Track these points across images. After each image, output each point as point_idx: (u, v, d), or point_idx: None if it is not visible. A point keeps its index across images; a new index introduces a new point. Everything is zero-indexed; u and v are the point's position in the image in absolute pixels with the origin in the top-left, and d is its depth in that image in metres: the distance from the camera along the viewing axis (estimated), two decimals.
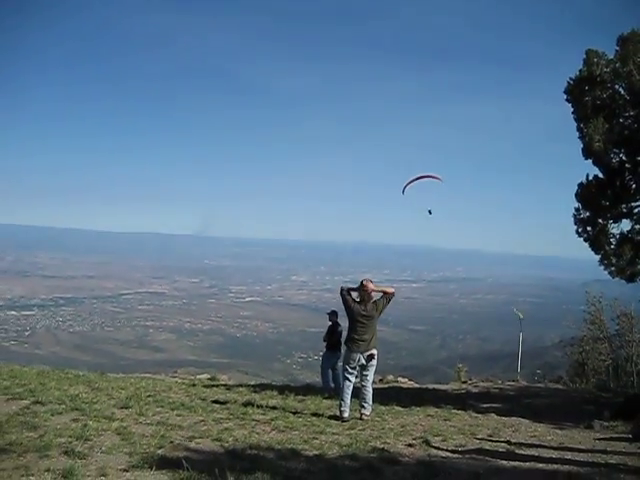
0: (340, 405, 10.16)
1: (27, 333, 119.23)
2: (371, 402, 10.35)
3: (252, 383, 17.68)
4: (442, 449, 7.72)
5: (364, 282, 10.29)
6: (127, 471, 5.77)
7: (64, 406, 9.27)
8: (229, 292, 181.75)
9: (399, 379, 19.96)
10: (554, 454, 7.59)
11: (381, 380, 18.59)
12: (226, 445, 7.29)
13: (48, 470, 5.53)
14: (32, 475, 5.38)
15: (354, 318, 10.17)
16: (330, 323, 15.35)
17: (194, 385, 14.96)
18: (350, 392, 10.20)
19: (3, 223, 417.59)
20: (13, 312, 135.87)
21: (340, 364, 12.46)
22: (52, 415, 8.53)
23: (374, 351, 10.15)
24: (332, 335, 15.06)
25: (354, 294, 10.40)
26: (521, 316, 21.93)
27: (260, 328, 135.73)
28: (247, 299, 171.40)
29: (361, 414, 10.13)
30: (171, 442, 7.22)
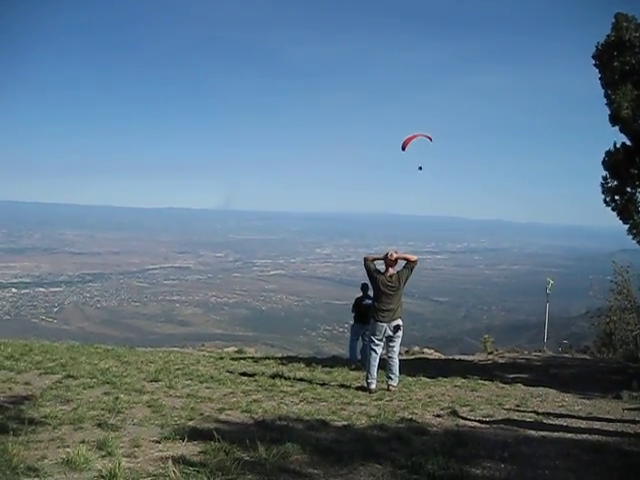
0: (367, 377, 10.22)
1: (55, 309, 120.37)
2: (398, 373, 10.37)
3: (279, 355, 17.83)
4: (470, 419, 7.74)
5: (389, 254, 10.29)
6: (159, 442, 5.85)
7: (95, 380, 9.43)
8: (254, 266, 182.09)
9: (425, 350, 20.04)
10: (582, 424, 7.58)
11: (407, 351, 18.67)
12: (255, 416, 7.38)
13: (83, 442, 5.62)
14: (67, 447, 5.46)
15: (379, 289, 10.18)
16: (360, 295, 15.36)
17: (222, 358, 15.11)
18: (377, 363, 10.24)
19: (29, 201, 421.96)
20: (41, 289, 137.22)
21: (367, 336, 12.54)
22: (84, 389, 8.69)
23: (400, 322, 10.16)
24: (359, 307, 15.09)
25: (378, 264, 10.41)
26: (552, 282, 21.69)
27: (285, 301, 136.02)
28: (271, 272, 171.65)
29: (388, 385, 10.17)
30: (201, 414, 7.32)
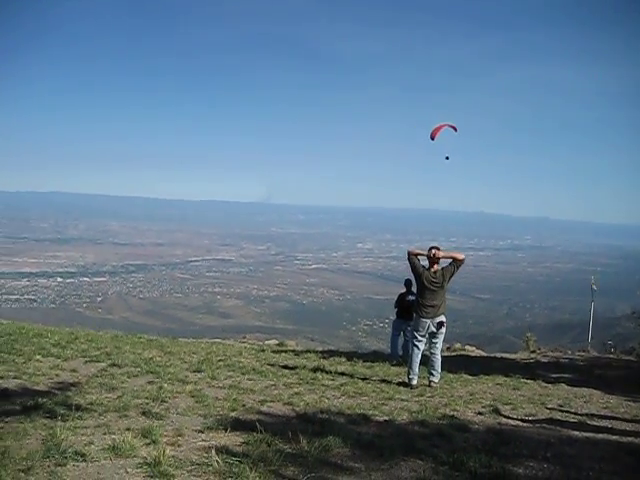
0: (408, 372, 10.18)
1: (99, 299, 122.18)
2: (440, 370, 10.31)
3: (319, 349, 17.85)
4: (512, 418, 7.67)
5: (433, 249, 10.23)
6: (202, 432, 5.92)
7: (139, 369, 9.59)
8: (295, 259, 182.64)
9: (466, 347, 19.88)
10: (628, 426, 7.46)
11: (448, 348, 18.56)
12: (297, 409, 7.42)
13: (128, 429, 5.72)
14: (113, 434, 5.57)
15: (423, 284, 10.12)
16: (403, 290, 15.30)
17: (263, 350, 15.21)
18: (419, 359, 10.20)
19: (75, 192, 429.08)
20: (86, 278, 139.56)
21: (409, 332, 12.51)
22: (128, 377, 8.84)
23: (443, 318, 10.10)
24: (402, 303, 15.04)
25: (421, 259, 10.36)
26: (595, 288, 21.41)
27: (326, 295, 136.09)
28: (313, 266, 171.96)
29: (430, 381, 10.13)
30: (243, 405, 7.39)
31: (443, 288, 10.09)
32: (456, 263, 10.16)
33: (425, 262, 10.33)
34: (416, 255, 10.36)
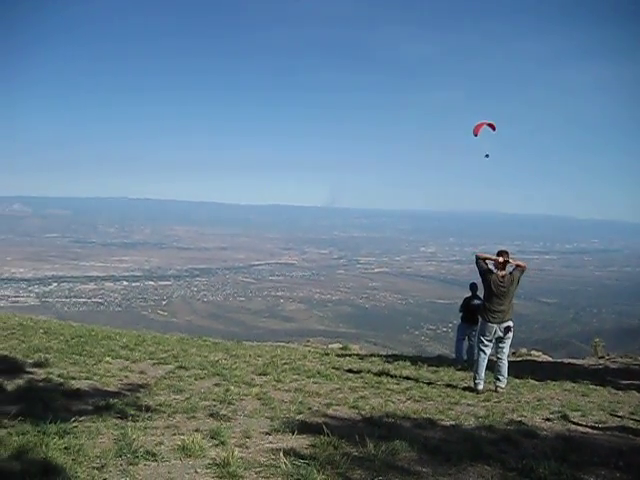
0: (474, 377, 10.10)
1: (164, 302, 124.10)
2: (506, 375, 10.19)
3: (383, 353, 17.82)
4: (581, 425, 7.50)
5: (501, 253, 10.13)
6: (269, 434, 5.97)
7: (206, 371, 9.75)
8: (358, 263, 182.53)
9: (532, 352, 19.59)
10: None
11: (514, 353, 18.29)
12: (363, 412, 7.41)
13: (197, 430, 5.81)
14: (182, 434, 5.65)
15: (490, 289, 10.03)
16: (468, 294, 15.18)
17: (327, 354, 15.24)
18: (485, 364, 10.11)
19: (141, 198, 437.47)
20: (151, 282, 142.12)
21: (475, 336, 12.40)
22: (195, 379, 9.00)
23: (510, 323, 10.00)
24: (468, 307, 14.92)
25: (489, 263, 10.26)
26: None
27: (388, 299, 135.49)
28: (376, 270, 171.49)
29: (496, 387, 10.02)
30: (309, 408, 7.43)
31: (511, 293, 9.99)
32: (520, 269, 10.06)
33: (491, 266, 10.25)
34: (484, 259, 10.27)
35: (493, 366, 10.20)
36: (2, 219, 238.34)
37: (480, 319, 10.31)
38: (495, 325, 9.96)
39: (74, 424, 5.60)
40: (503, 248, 10.37)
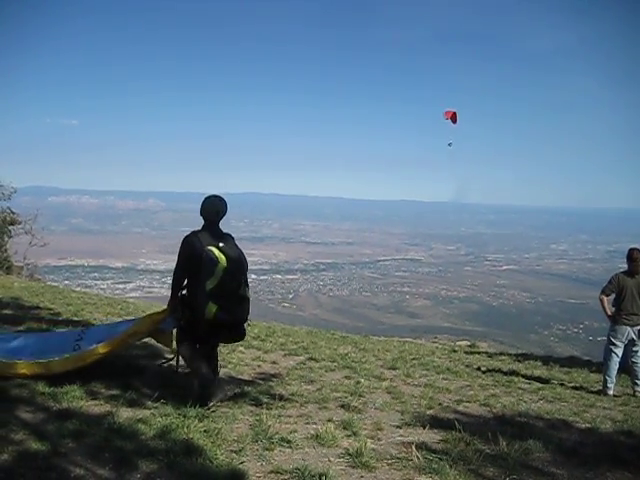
0: (605, 380, 9.74)
1: (291, 296, 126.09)
2: None
3: (512, 352, 17.49)
4: None
5: (634, 253, 9.71)
6: (400, 428, 5.98)
7: (336, 364, 9.89)
8: (485, 260, 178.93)
9: None
10: None
11: None
12: (494, 410, 7.30)
13: (329, 420, 5.91)
14: (315, 424, 5.78)
15: (623, 290, 9.68)
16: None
17: (455, 351, 15.13)
18: (616, 367, 9.73)
19: (269, 193, 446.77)
20: (278, 276, 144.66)
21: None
22: (326, 371, 9.14)
23: None
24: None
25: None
26: None
27: (517, 297, 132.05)
28: (504, 267, 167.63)
29: (634, 391, 9.65)
30: (439, 404, 7.38)
31: None
32: None
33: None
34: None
35: (630, 370, 9.82)
36: (138, 213, 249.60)
37: (610, 321, 9.93)
38: (628, 327, 9.59)
39: (212, 409, 5.82)
40: (636, 246, 9.95)
